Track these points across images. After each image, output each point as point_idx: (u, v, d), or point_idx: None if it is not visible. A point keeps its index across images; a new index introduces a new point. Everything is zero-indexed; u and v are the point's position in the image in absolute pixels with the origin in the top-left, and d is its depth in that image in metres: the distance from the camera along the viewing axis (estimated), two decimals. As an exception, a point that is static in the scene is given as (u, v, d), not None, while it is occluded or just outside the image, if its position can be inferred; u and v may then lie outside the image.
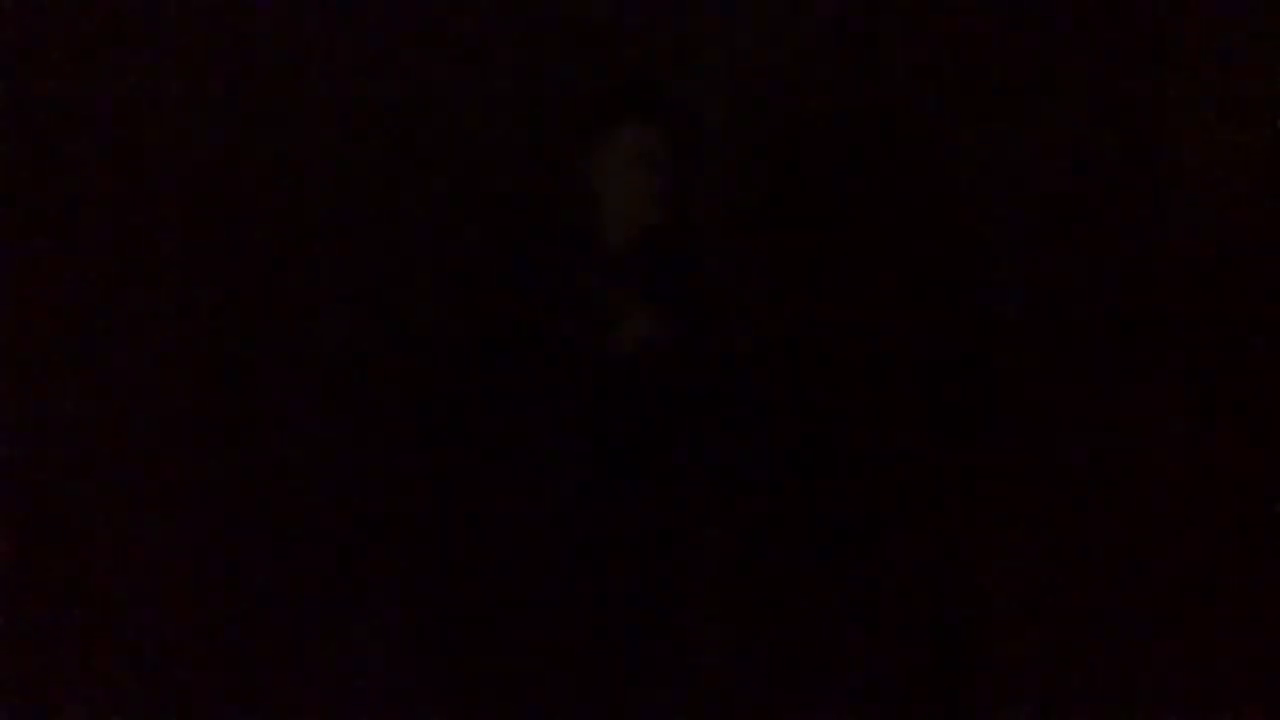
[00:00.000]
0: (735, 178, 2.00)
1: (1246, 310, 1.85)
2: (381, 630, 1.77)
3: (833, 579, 1.90)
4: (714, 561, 1.89)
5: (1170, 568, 1.88)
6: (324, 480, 1.82)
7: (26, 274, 1.82)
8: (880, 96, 1.97)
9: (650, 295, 1.73)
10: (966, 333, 1.94)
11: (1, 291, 1.81)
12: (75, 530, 1.64)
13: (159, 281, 1.84)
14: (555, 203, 1.80)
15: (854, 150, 1.98)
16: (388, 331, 1.93)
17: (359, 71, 1.93)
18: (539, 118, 1.94)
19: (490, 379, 1.77)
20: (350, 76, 1.92)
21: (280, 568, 1.70)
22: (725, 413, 1.76)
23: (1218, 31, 1.86)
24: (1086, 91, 1.90)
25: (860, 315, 1.95)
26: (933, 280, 1.95)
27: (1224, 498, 1.87)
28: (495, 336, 1.81)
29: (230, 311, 1.87)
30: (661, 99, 1.75)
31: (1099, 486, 1.91)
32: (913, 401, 1.93)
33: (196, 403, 1.77)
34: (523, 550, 1.71)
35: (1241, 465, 1.86)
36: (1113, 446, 1.90)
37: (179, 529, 1.72)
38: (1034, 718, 1.86)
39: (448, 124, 1.96)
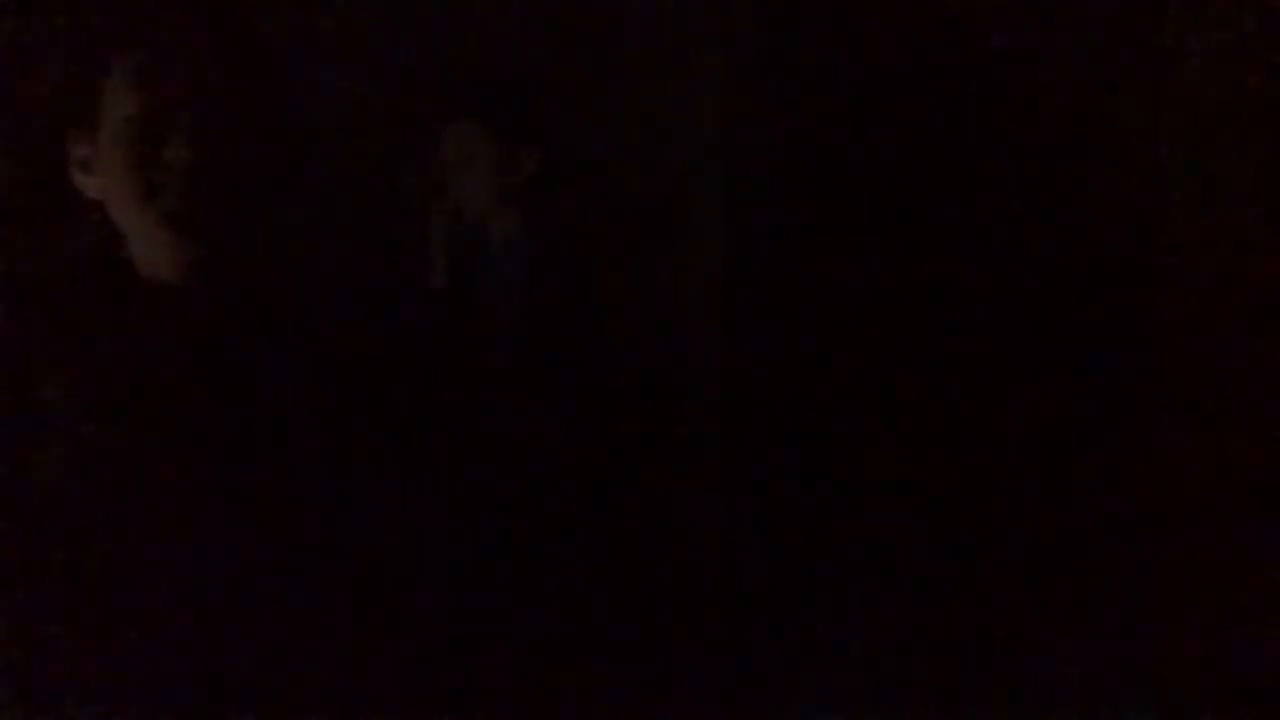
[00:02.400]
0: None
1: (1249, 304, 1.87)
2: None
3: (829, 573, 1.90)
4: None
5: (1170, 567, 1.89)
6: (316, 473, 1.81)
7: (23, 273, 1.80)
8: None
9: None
10: (961, 332, 1.95)
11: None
12: (75, 529, 1.61)
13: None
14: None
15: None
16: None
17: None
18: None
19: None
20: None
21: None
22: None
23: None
24: (1086, 83, 1.92)
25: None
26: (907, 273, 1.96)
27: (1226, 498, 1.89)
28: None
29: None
30: (491, 97, 1.87)
31: (1101, 486, 1.91)
32: (903, 397, 1.93)
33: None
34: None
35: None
36: (1116, 444, 1.91)
37: (175, 527, 1.70)
38: (1033, 717, 1.86)
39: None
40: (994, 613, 1.92)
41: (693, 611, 1.88)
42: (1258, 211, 1.86)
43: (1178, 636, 1.88)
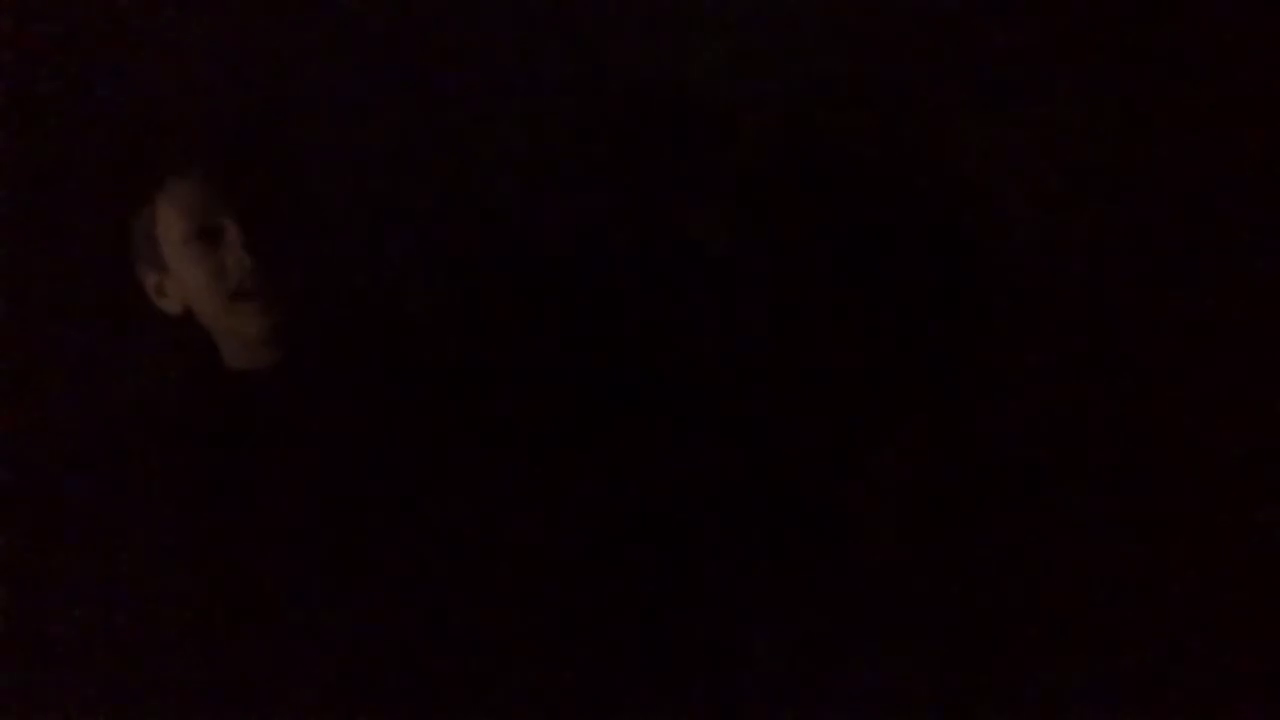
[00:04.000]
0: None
1: (1249, 304, 1.87)
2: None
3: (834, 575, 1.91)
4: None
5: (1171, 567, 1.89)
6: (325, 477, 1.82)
7: (25, 274, 1.81)
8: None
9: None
10: (963, 335, 1.95)
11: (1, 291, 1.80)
12: (75, 530, 1.63)
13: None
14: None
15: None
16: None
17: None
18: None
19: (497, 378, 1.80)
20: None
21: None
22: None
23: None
24: (1090, 90, 1.92)
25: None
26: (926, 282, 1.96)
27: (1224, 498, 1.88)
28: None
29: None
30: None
31: (1100, 486, 1.91)
32: (911, 400, 1.93)
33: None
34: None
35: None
36: (1118, 446, 1.91)
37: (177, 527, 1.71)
38: (1038, 717, 1.86)
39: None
40: (995, 616, 1.92)
41: (694, 610, 1.89)
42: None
43: (1177, 639, 1.88)
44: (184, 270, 1.52)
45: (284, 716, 1.56)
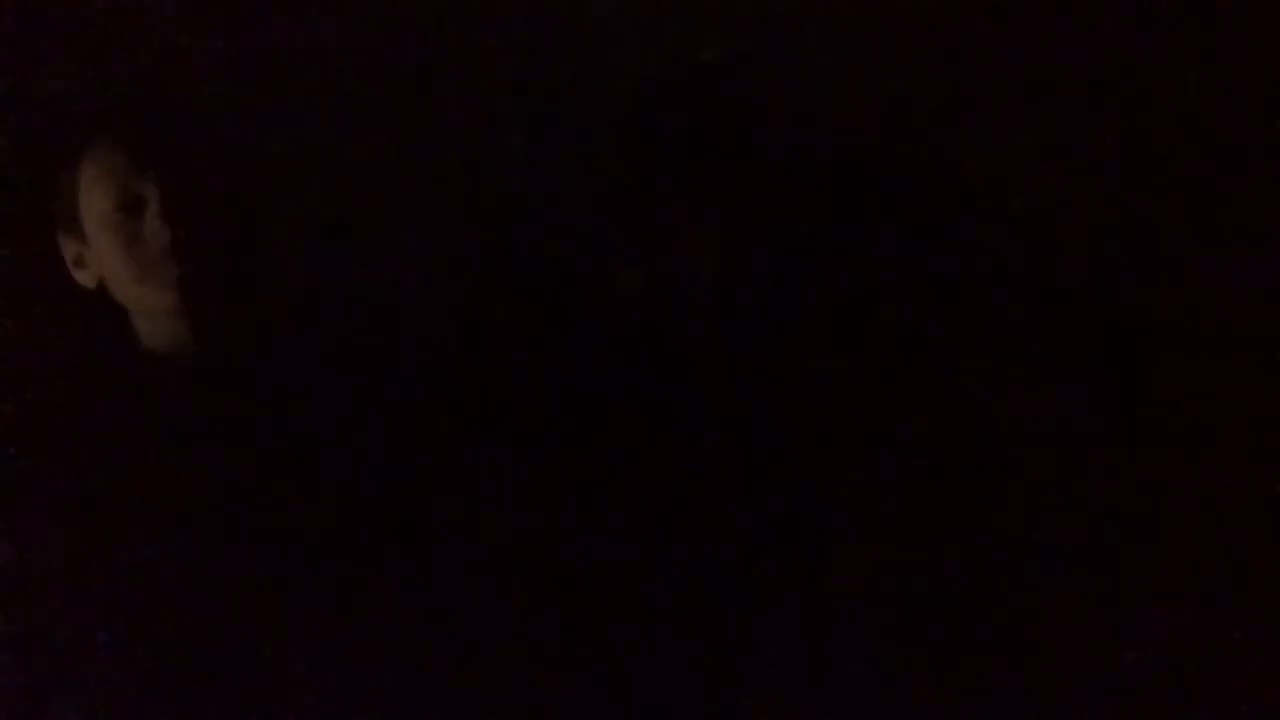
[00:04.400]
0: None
1: (1247, 307, 1.87)
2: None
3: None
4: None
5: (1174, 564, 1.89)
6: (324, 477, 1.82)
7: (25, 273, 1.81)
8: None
9: None
10: (964, 335, 1.95)
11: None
12: (75, 530, 1.63)
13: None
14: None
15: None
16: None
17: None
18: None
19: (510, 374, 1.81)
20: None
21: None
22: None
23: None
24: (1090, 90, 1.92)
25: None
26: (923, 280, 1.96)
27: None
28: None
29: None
30: None
31: (1098, 486, 1.91)
32: (912, 399, 1.93)
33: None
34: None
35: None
36: (1116, 447, 1.91)
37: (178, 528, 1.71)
38: (1038, 717, 1.87)
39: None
40: (995, 616, 1.92)
41: (692, 611, 1.89)
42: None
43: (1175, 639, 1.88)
44: (101, 239, 1.48)
45: (282, 716, 1.56)
